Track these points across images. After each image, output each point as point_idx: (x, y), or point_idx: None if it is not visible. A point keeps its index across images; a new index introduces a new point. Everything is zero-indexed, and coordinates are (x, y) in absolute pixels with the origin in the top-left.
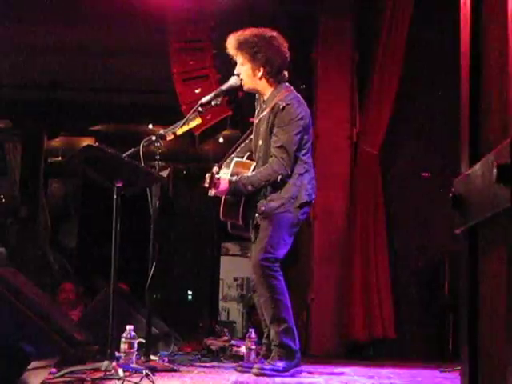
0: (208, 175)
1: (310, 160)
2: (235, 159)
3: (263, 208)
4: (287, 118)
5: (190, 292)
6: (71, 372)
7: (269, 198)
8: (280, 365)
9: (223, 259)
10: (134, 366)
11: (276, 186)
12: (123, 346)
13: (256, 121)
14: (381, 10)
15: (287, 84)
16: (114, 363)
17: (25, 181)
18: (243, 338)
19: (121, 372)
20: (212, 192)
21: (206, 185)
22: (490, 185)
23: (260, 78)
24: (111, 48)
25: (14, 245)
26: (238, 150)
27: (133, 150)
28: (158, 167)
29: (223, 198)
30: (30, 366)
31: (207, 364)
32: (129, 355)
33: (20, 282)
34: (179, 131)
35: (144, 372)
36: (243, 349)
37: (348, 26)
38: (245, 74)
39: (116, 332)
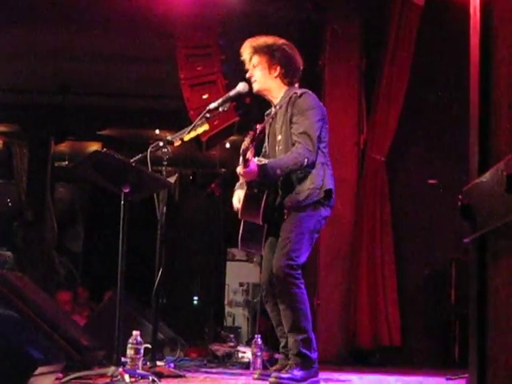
0: (243, 148)
1: (328, 154)
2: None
3: (289, 203)
4: (306, 105)
5: (195, 297)
6: (77, 377)
7: (295, 191)
8: (298, 374)
9: (229, 264)
10: (140, 371)
11: (300, 178)
12: (129, 352)
13: (267, 124)
14: (388, 17)
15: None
16: (121, 369)
17: (31, 185)
18: (248, 344)
19: (127, 378)
20: (241, 170)
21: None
22: (500, 194)
23: (275, 77)
24: (119, 53)
25: (20, 248)
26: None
27: (140, 155)
28: (165, 173)
29: (243, 194)
30: (36, 372)
31: (213, 370)
32: (135, 361)
33: (26, 286)
34: (186, 137)
35: (150, 378)
36: (249, 355)
37: (356, 33)
38: (259, 73)
39: (122, 337)
